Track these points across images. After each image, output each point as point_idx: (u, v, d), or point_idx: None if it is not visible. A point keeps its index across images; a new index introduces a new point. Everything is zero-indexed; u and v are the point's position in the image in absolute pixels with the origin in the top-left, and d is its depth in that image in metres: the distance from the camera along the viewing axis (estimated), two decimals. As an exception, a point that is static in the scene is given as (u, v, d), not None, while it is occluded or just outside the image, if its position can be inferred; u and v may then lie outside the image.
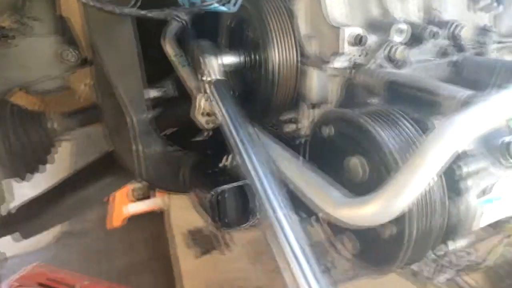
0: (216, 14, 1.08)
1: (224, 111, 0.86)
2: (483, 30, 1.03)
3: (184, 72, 1.11)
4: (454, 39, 0.94)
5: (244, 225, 0.97)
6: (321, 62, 0.89)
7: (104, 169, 1.53)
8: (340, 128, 0.79)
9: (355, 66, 0.87)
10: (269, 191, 0.71)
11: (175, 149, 1.27)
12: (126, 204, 2.81)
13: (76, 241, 2.63)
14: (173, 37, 1.16)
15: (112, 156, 1.30)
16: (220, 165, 1.12)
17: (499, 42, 1.04)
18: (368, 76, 0.84)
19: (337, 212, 0.66)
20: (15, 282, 1.30)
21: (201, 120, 1.05)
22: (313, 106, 0.98)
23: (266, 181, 0.72)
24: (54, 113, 1.35)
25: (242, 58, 0.99)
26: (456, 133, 0.61)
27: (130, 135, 1.16)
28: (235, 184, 0.94)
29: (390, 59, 0.86)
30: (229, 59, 0.97)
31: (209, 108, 1.00)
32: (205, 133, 1.48)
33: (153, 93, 1.31)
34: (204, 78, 0.94)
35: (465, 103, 0.70)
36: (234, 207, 0.96)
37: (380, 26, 0.90)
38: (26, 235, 1.39)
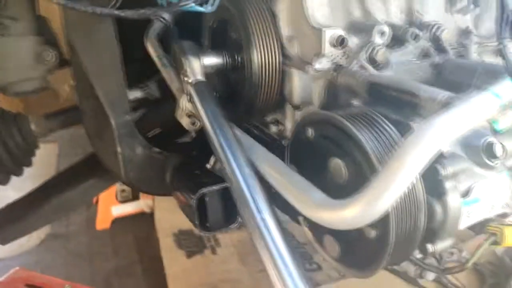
0: (200, 15, 1.08)
1: (204, 112, 0.85)
2: (465, 32, 1.04)
3: (166, 73, 1.10)
4: (436, 41, 0.94)
5: (226, 228, 0.96)
6: (303, 63, 0.89)
7: (88, 171, 1.52)
8: (321, 130, 0.79)
9: (337, 68, 0.86)
10: (247, 194, 0.70)
11: (160, 151, 1.25)
12: (114, 205, 2.79)
13: (61, 244, 2.60)
14: (155, 37, 1.15)
15: (96, 157, 1.29)
16: (208, 166, 1.11)
17: (480, 44, 1.05)
18: (350, 77, 0.84)
19: (317, 215, 0.66)
20: (-10, 289, 1.27)
21: (185, 121, 1.04)
22: (297, 107, 0.97)
23: (245, 183, 0.72)
24: (35, 114, 1.33)
25: (224, 59, 0.98)
26: (435, 134, 0.61)
27: (113, 137, 1.14)
28: (215, 187, 0.93)
29: (372, 60, 0.86)
30: (211, 60, 0.96)
31: (192, 109, 0.99)
32: (191, 134, 1.47)
33: (136, 94, 1.30)
34: (185, 79, 0.93)
35: (445, 105, 0.70)
36: (215, 210, 0.95)
37: (362, 28, 0.90)
38: (4, 241, 1.37)
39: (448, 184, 0.73)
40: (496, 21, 0.69)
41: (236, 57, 0.96)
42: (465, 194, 0.76)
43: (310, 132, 0.81)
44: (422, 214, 0.71)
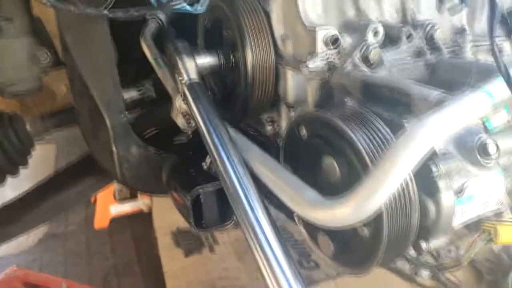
0: (196, 15, 1.08)
1: (197, 112, 0.85)
2: (459, 31, 1.04)
3: (162, 73, 1.10)
4: (429, 40, 0.94)
5: (220, 227, 0.96)
6: (297, 63, 0.89)
7: (84, 171, 1.52)
8: (314, 129, 0.79)
9: (331, 67, 0.87)
10: (241, 192, 0.71)
11: (156, 150, 1.25)
12: (112, 205, 2.80)
13: (59, 243, 2.61)
14: (150, 37, 1.15)
15: (92, 157, 1.29)
16: (204, 166, 1.11)
17: (475, 43, 1.05)
18: (344, 77, 0.84)
19: (309, 213, 0.66)
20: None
21: (181, 121, 1.04)
22: (291, 107, 0.97)
23: (238, 182, 0.72)
24: (31, 115, 1.32)
25: (218, 59, 0.98)
26: (427, 133, 0.61)
27: (108, 137, 1.14)
28: (210, 186, 0.93)
29: (365, 60, 0.86)
30: (205, 60, 0.96)
31: (187, 109, 0.99)
32: (187, 134, 1.47)
33: (132, 94, 1.29)
34: (180, 79, 0.93)
35: (438, 104, 0.70)
36: (210, 209, 0.95)
37: (356, 27, 0.90)
38: (2, 240, 1.37)
39: (441, 183, 0.73)
40: (487, 20, 0.69)
41: (230, 56, 0.97)
42: (459, 192, 0.76)
43: (303, 131, 0.81)
44: (415, 212, 0.71)
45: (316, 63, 0.86)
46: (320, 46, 0.84)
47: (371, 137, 0.70)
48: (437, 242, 0.80)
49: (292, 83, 0.93)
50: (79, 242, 2.62)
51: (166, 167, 1.22)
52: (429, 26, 0.94)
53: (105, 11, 0.84)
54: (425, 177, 0.72)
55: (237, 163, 0.76)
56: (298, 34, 0.88)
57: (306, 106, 0.93)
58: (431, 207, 0.74)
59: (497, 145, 0.76)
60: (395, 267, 0.94)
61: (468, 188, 0.77)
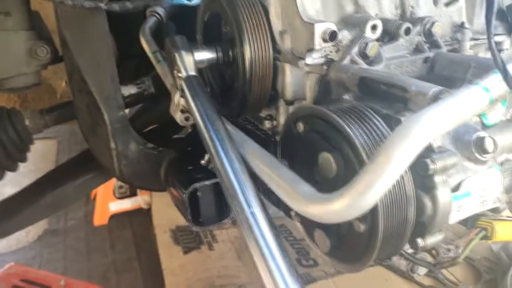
0: (195, 10, 1.07)
1: (195, 107, 0.85)
2: (459, 27, 1.03)
3: (161, 68, 1.10)
4: (428, 35, 0.94)
5: (218, 223, 0.96)
6: (295, 58, 0.89)
7: (83, 167, 1.52)
8: (311, 124, 0.79)
9: (329, 63, 0.86)
10: (237, 187, 0.70)
11: (154, 146, 1.25)
12: (112, 201, 2.80)
13: (58, 240, 2.61)
14: (150, 32, 1.15)
15: (91, 153, 1.29)
16: (203, 162, 1.11)
17: (475, 39, 1.05)
18: (342, 72, 0.84)
19: (305, 208, 0.66)
20: (-14, 285, 1.27)
21: (179, 116, 1.04)
22: (289, 102, 0.97)
23: (235, 177, 0.72)
24: (31, 110, 1.32)
25: (217, 54, 0.98)
26: (423, 129, 0.60)
27: (106, 133, 1.14)
28: (208, 182, 0.93)
29: (364, 55, 0.86)
30: (203, 55, 0.96)
31: (185, 104, 0.99)
32: (186, 130, 1.47)
33: (131, 89, 1.29)
34: (178, 74, 0.93)
35: (435, 99, 0.70)
36: (207, 205, 0.95)
37: (354, 22, 0.89)
38: (1, 235, 1.37)
39: (438, 179, 0.73)
40: (485, 16, 0.69)
41: (228, 52, 0.96)
42: (456, 188, 0.76)
43: (300, 126, 0.81)
44: (412, 208, 0.71)
45: (314, 58, 0.85)
46: (318, 41, 0.84)
47: (368, 133, 0.70)
48: (433, 239, 0.80)
49: (290, 79, 0.93)
50: (79, 239, 2.62)
51: (165, 163, 1.22)
52: (428, 22, 0.94)
53: (101, 4, 0.84)
54: (421, 173, 0.72)
55: (234, 159, 0.75)
56: (296, 29, 0.88)
57: (304, 102, 0.93)
58: (428, 203, 0.74)
59: (494, 141, 0.76)
60: (392, 264, 0.94)
61: (465, 184, 0.77)
